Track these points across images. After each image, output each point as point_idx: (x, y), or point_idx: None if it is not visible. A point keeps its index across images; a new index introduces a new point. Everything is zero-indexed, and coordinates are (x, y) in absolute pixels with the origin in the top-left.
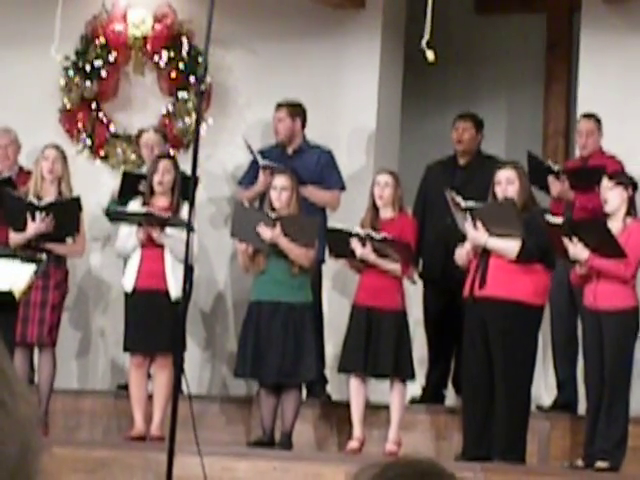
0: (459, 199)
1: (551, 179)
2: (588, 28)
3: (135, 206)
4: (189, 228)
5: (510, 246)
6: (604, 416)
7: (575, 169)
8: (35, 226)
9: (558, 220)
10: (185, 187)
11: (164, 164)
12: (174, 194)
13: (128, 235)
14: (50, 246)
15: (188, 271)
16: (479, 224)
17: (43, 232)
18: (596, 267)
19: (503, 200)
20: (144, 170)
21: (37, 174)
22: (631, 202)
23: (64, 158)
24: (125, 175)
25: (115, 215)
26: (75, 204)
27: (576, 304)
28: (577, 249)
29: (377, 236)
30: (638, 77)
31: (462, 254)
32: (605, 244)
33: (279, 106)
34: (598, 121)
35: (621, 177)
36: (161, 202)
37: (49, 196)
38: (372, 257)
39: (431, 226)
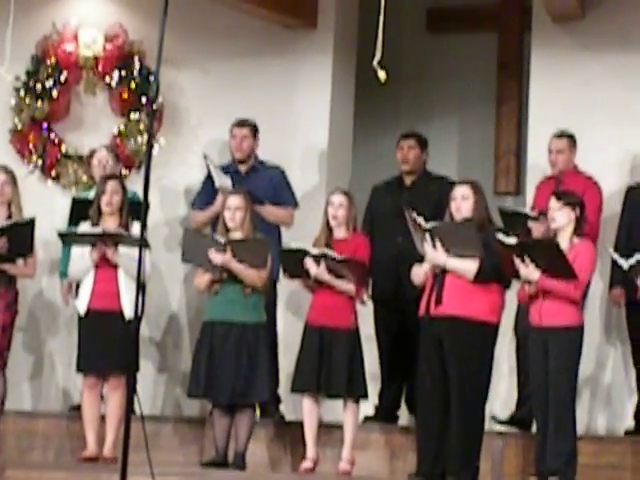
0: (419, 219)
1: (531, 224)
2: (539, 47)
3: (85, 228)
4: (142, 244)
5: (468, 266)
6: (552, 433)
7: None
8: None
9: (511, 240)
10: (134, 208)
11: (112, 185)
12: (122, 214)
13: (80, 257)
14: (2, 266)
15: (140, 288)
16: (438, 244)
17: None
18: (547, 288)
19: (462, 220)
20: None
21: None
22: (578, 222)
23: (14, 180)
24: (74, 201)
25: (69, 237)
26: (30, 226)
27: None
28: (528, 270)
29: (332, 255)
30: (589, 96)
31: (419, 273)
32: (556, 265)
33: (242, 124)
34: (572, 139)
35: (568, 197)
36: (110, 223)
37: None
38: (327, 277)
39: (380, 246)
